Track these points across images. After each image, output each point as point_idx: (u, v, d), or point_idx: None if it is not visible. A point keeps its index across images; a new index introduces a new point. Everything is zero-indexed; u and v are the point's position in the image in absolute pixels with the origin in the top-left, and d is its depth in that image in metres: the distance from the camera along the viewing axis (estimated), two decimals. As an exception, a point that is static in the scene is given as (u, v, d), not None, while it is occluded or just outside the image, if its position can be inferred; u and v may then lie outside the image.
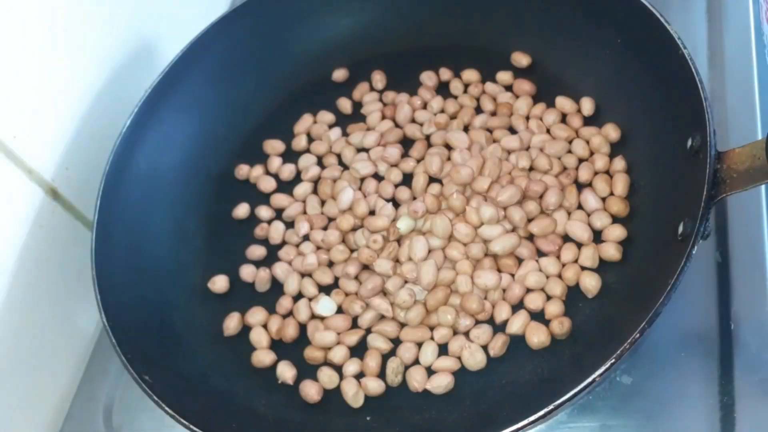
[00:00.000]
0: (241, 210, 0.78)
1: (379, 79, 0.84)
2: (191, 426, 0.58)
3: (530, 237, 0.68)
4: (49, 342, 0.75)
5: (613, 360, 0.53)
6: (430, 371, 0.65)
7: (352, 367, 0.66)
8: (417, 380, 0.64)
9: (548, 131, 0.75)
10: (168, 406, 0.60)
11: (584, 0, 0.74)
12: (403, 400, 0.64)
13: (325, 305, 0.70)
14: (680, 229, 0.58)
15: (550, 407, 0.53)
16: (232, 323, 0.71)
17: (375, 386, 0.65)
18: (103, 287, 0.67)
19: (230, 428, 0.63)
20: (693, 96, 0.60)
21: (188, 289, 0.74)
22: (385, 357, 0.66)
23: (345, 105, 0.83)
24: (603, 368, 0.53)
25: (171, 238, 0.77)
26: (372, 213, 0.74)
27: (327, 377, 0.66)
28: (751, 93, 0.73)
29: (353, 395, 0.65)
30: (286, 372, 0.67)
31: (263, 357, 0.69)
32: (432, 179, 0.74)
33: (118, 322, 0.65)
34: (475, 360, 0.64)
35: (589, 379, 0.53)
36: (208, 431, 0.58)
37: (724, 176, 0.55)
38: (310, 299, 0.71)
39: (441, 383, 0.63)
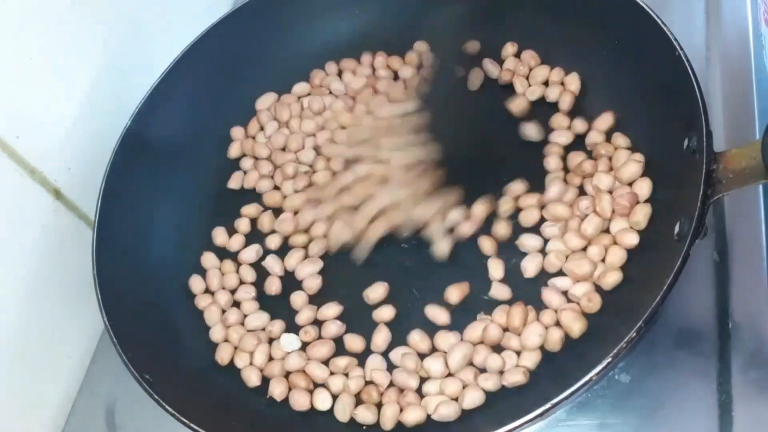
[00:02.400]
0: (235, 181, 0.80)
1: (380, 61, 0.85)
2: (192, 425, 0.59)
3: None
4: (51, 341, 0.75)
5: (610, 359, 0.53)
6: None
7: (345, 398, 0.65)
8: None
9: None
10: (168, 405, 0.60)
11: (581, 1, 0.74)
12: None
13: (290, 342, 0.69)
14: (677, 228, 0.58)
15: (548, 406, 0.53)
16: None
17: (368, 416, 0.63)
18: (103, 287, 0.67)
19: (230, 427, 0.63)
20: (689, 97, 0.60)
21: (189, 288, 0.74)
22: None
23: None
24: (600, 367, 0.53)
25: (172, 238, 0.77)
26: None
27: (320, 401, 0.65)
28: (749, 94, 0.73)
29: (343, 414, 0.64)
30: (275, 389, 0.66)
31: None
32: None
33: (119, 322, 0.65)
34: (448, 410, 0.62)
35: (586, 378, 0.53)
36: (208, 430, 0.58)
37: (720, 176, 0.56)
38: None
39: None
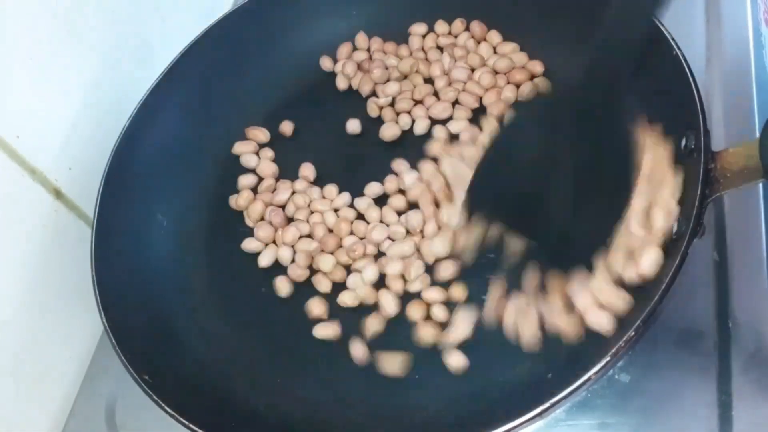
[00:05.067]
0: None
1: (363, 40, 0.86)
2: (191, 426, 0.59)
3: None
4: (52, 341, 0.75)
5: (609, 358, 0.53)
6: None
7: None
8: None
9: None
10: (168, 406, 0.60)
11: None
12: (401, 399, 0.64)
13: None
14: (674, 228, 0.58)
15: (546, 405, 0.53)
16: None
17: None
18: (102, 288, 0.67)
19: (230, 428, 0.63)
20: (687, 96, 0.59)
21: (188, 288, 0.75)
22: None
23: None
24: (598, 366, 0.53)
25: (171, 237, 0.77)
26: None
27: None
28: (749, 94, 0.72)
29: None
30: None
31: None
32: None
33: (118, 323, 0.65)
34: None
35: (585, 377, 0.53)
36: (208, 431, 0.58)
37: (718, 176, 0.55)
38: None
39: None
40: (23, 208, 0.71)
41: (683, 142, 0.60)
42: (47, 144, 0.73)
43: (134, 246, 0.74)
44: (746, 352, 0.62)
